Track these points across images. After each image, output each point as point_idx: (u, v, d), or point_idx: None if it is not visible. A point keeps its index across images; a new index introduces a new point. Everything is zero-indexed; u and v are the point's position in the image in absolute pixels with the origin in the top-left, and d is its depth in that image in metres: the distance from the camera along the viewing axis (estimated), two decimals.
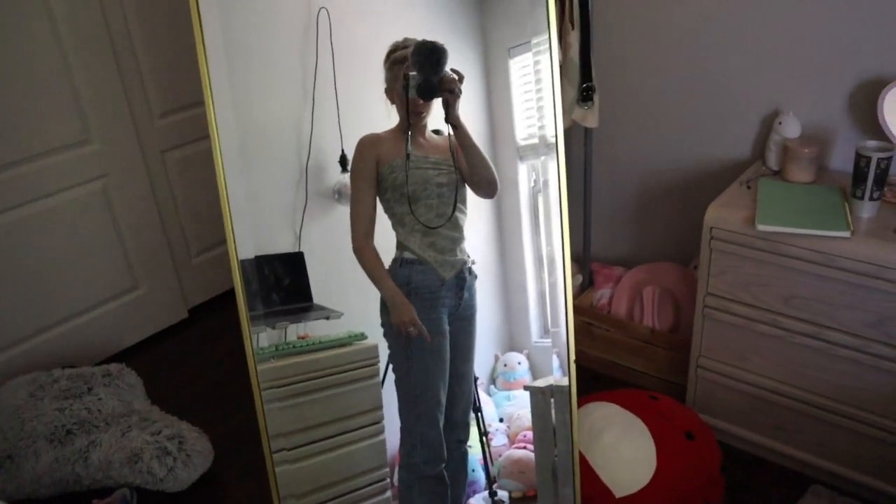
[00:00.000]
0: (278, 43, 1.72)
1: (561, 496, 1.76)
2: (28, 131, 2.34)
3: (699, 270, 1.98)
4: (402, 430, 1.78)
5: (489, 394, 1.93)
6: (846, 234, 1.71)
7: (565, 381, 1.85)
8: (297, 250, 1.78)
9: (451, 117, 1.62)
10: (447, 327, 1.74)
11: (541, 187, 1.81)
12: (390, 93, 1.67)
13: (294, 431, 1.79)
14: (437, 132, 1.70)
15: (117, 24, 2.49)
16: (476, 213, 1.74)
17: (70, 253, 2.54)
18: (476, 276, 1.75)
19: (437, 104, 1.65)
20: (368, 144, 1.69)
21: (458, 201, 1.69)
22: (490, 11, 1.74)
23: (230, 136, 1.70)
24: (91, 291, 2.63)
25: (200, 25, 1.61)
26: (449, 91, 1.60)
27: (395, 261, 1.71)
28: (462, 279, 1.73)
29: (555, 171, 1.74)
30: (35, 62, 2.31)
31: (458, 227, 1.71)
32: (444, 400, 1.76)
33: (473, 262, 1.74)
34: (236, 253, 1.68)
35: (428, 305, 1.72)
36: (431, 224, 1.69)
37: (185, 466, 2.05)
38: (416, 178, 1.67)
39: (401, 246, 1.72)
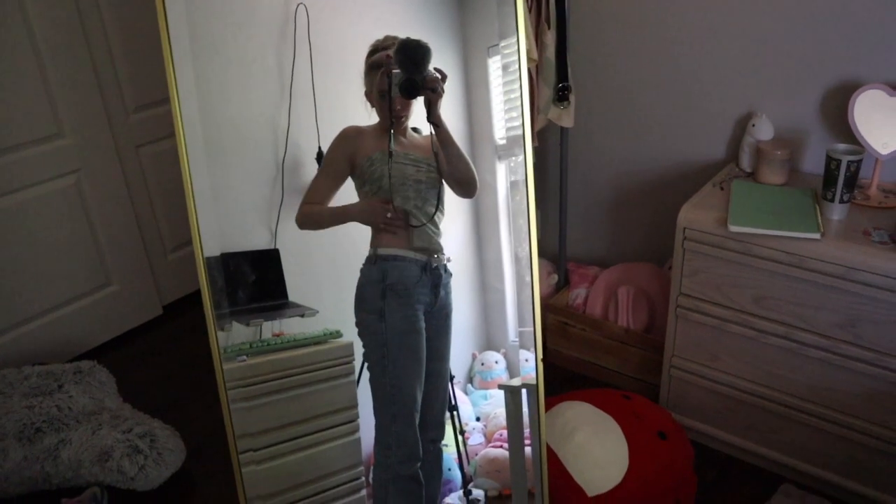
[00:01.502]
0: (256, 39, 1.71)
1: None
2: None
3: (672, 270, 1.99)
4: (377, 428, 1.77)
5: (466, 392, 1.94)
6: (816, 235, 1.73)
7: (533, 380, 1.86)
8: (272, 247, 1.77)
9: (432, 116, 1.62)
10: (423, 324, 1.74)
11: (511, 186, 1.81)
12: (369, 95, 1.67)
13: (268, 430, 1.78)
14: (415, 130, 1.70)
15: (91, 17, 2.47)
16: (454, 212, 1.74)
17: (42, 248, 2.50)
18: (451, 275, 1.75)
19: (417, 104, 1.65)
20: (348, 137, 1.68)
21: (434, 198, 1.69)
22: (469, 10, 1.74)
23: (201, 132, 1.70)
24: (63, 288, 2.60)
25: (165, 19, 1.59)
26: (431, 90, 1.60)
27: (369, 257, 1.70)
28: (438, 276, 1.72)
29: (523, 171, 1.75)
30: (6, 54, 2.27)
31: (435, 225, 1.72)
32: (419, 399, 1.76)
33: (449, 260, 1.74)
34: (202, 250, 1.66)
35: (403, 302, 1.71)
36: (412, 220, 1.69)
37: (157, 465, 2.03)
38: (396, 172, 1.66)
39: (376, 241, 1.71)
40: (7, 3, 2.24)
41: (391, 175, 1.67)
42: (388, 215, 1.68)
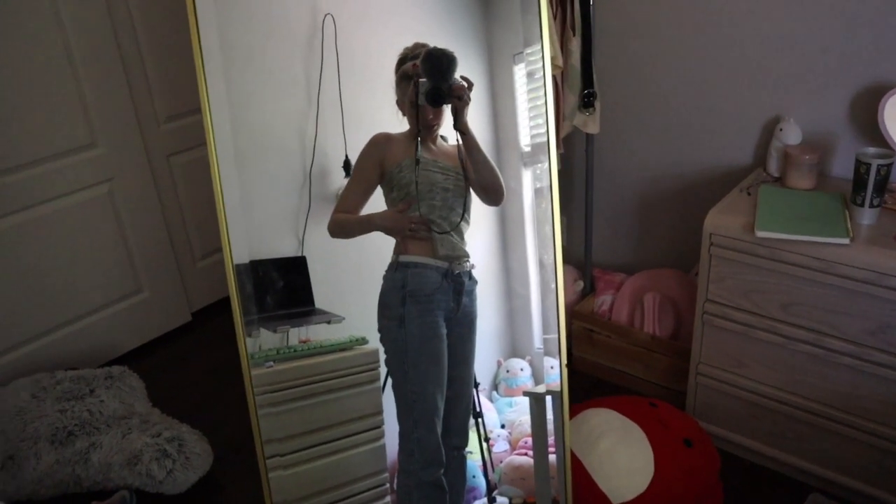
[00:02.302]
0: (284, 48, 1.73)
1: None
2: (35, 135, 2.36)
3: (699, 276, 1.97)
4: (400, 435, 1.78)
5: (491, 400, 1.94)
6: (846, 241, 1.71)
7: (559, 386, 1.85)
8: (299, 254, 1.79)
9: (459, 124, 1.64)
10: (444, 331, 1.74)
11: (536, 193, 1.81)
12: (401, 104, 1.69)
13: (294, 436, 1.79)
14: (443, 138, 1.71)
15: (124, 29, 2.51)
16: (479, 219, 1.74)
17: (75, 256, 2.55)
18: (476, 282, 1.76)
19: (446, 112, 1.66)
20: (377, 143, 1.70)
21: (460, 207, 1.70)
22: (494, 18, 1.75)
23: (232, 141, 1.72)
24: (95, 294, 2.64)
25: (197, 30, 1.62)
26: (458, 98, 1.62)
27: (391, 264, 1.72)
28: (460, 283, 1.73)
29: (547, 176, 1.75)
30: (43, 66, 2.33)
31: (460, 233, 1.72)
32: (441, 405, 1.76)
33: (473, 267, 1.75)
34: (231, 257, 1.69)
35: (423, 308, 1.72)
36: (434, 228, 1.70)
37: (185, 469, 2.05)
38: (423, 179, 1.68)
39: (398, 248, 1.73)
40: (44, 17, 2.29)
41: (418, 182, 1.68)
42: (411, 227, 1.70)
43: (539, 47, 1.65)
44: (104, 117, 2.51)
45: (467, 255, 1.74)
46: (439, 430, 1.76)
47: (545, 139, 1.71)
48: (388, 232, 1.72)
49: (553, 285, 1.76)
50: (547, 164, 1.73)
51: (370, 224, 1.73)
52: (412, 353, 1.74)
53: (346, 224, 1.73)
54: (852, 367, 1.79)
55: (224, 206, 1.67)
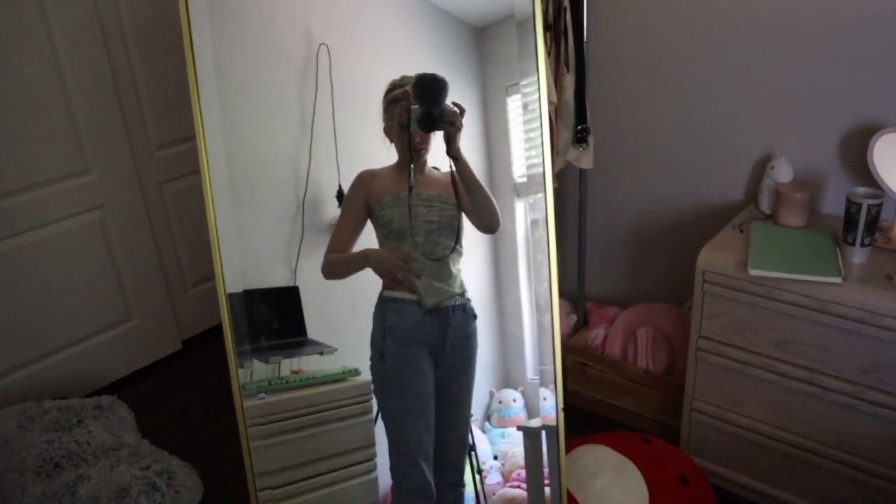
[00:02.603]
0: (278, 78, 1.74)
1: None
2: (26, 160, 2.35)
3: (692, 313, 1.98)
4: (390, 467, 1.77)
5: (484, 431, 1.92)
6: (838, 279, 1.72)
7: (554, 421, 1.84)
8: (292, 284, 1.78)
9: (452, 150, 1.63)
10: (426, 364, 1.73)
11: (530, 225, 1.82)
12: (388, 131, 1.69)
13: (286, 468, 1.77)
14: (436, 168, 1.71)
15: (119, 55, 2.52)
16: (471, 248, 1.74)
17: (65, 283, 2.53)
18: (472, 316, 1.75)
19: (436, 140, 1.66)
20: (362, 180, 1.70)
21: (448, 239, 1.69)
22: (487, 51, 1.76)
23: (224, 170, 1.72)
24: (84, 322, 2.62)
25: (193, 59, 1.62)
26: (450, 123, 1.62)
27: (378, 299, 1.72)
28: (446, 318, 1.72)
29: (543, 210, 1.75)
30: (36, 92, 2.32)
31: (445, 266, 1.71)
32: (426, 440, 1.74)
33: (464, 301, 1.73)
34: (224, 287, 1.68)
35: (401, 343, 1.71)
36: (416, 262, 1.70)
37: (174, 503, 2.02)
38: (404, 215, 1.67)
39: (384, 283, 1.73)
40: (37, 42, 2.29)
41: (398, 219, 1.67)
42: (400, 275, 1.69)
43: (534, 79, 1.67)
44: (97, 143, 2.50)
45: (456, 290, 1.73)
46: (426, 464, 1.74)
47: (539, 170, 1.72)
48: (378, 273, 1.72)
49: (547, 321, 1.76)
50: (541, 195, 1.74)
51: (365, 259, 1.72)
52: (393, 388, 1.73)
53: (339, 263, 1.73)
54: (846, 406, 1.80)
55: (218, 236, 1.67)
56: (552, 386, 1.75)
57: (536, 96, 1.67)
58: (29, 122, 2.33)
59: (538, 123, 1.72)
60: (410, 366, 1.72)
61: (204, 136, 1.67)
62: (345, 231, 1.72)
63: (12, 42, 2.24)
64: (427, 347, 1.72)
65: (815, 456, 1.90)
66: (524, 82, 1.70)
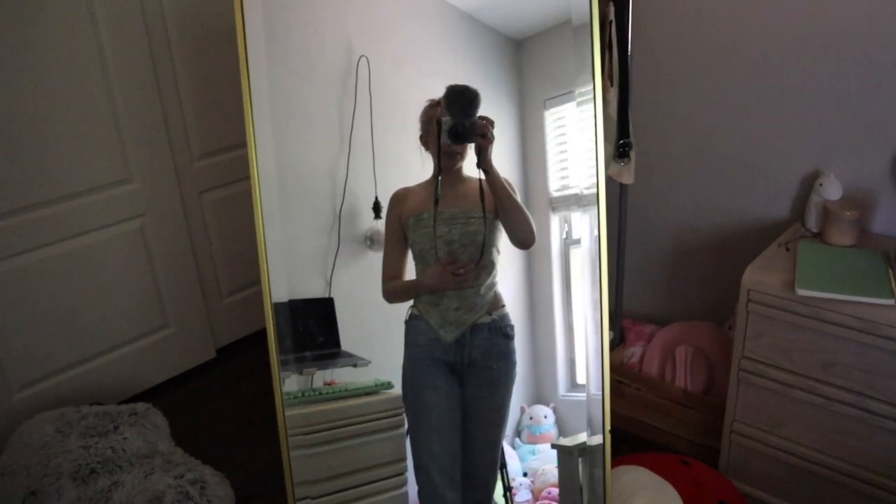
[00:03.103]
0: (318, 89, 1.75)
1: None
2: (71, 168, 2.38)
3: (735, 333, 1.93)
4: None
5: (514, 447, 1.90)
6: (890, 301, 1.67)
7: (594, 441, 1.81)
8: (327, 296, 1.79)
9: (483, 162, 1.62)
10: (442, 381, 1.72)
11: (573, 240, 1.80)
12: (425, 139, 1.68)
13: (318, 480, 1.77)
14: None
15: (164, 66, 2.55)
16: (507, 263, 1.73)
17: (104, 289, 2.56)
18: (505, 336, 1.72)
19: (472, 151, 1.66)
20: (395, 201, 1.71)
21: (471, 256, 1.67)
22: (526, 63, 1.76)
23: (267, 180, 1.72)
24: (122, 328, 2.65)
25: (248, 72, 1.64)
26: (481, 136, 1.60)
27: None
28: (465, 336, 1.70)
29: (588, 224, 1.74)
30: (82, 101, 2.36)
31: (473, 282, 1.69)
32: (439, 453, 1.73)
33: (496, 318, 1.71)
34: (270, 297, 1.70)
35: (416, 359, 1.72)
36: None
37: None
38: (424, 236, 1.66)
39: (414, 300, 1.73)
40: (86, 52, 2.33)
41: (420, 240, 1.67)
42: (461, 271, 1.67)
43: (589, 88, 1.65)
44: (140, 153, 2.54)
45: (482, 308, 1.71)
46: (442, 478, 1.73)
47: (572, 185, 1.71)
48: (437, 290, 1.71)
49: (587, 337, 1.74)
50: (579, 212, 1.73)
51: (421, 287, 1.72)
52: (408, 402, 1.74)
53: (400, 292, 1.74)
54: (895, 432, 1.74)
55: (265, 244, 1.68)
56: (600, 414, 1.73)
57: (585, 106, 1.65)
58: (75, 131, 2.36)
59: (577, 136, 1.70)
60: (424, 382, 1.72)
61: (255, 146, 1.68)
62: (392, 254, 1.73)
63: (62, 51, 2.28)
64: (446, 365, 1.71)
65: (862, 483, 1.84)
66: (581, 90, 1.67)
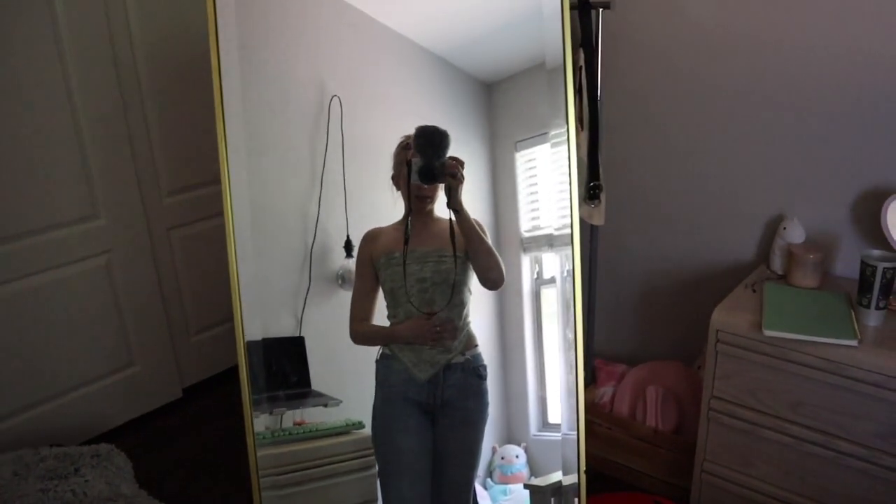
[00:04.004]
0: (290, 127, 1.76)
1: None
2: (36, 204, 2.35)
3: (704, 373, 1.95)
4: None
5: (485, 487, 1.88)
6: (853, 342, 1.70)
7: (568, 481, 1.81)
8: (297, 334, 1.78)
9: (453, 202, 1.63)
10: (414, 422, 1.71)
11: (543, 279, 1.82)
12: (396, 179, 1.69)
13: None
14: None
15: (133, 100, 2.54)
16: (478, 302, 1.74)
17: (67, 327, 2.51)
18: (477, 376, 1.72)
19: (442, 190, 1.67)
20: (366, 240, 1.71)
21: (443, 295, 1.67)
22: (498, 106, 1.79)
23: (240, 217, 1.72)
24: (85, 367, 2.59)
25: (223, 109, 1.64)
26: (451, 175, 1.62)
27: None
28: (437, 376, 1.70)
29: (559, 264, 1.75)
30: (49, 136, 2.33)
31: (451, 337, 1.70)
32: (411, 498, 1.71)
33: (469, 357, 1.71)
34: (243, 335, 1.68)
35: (387, 399, 1.71)
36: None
37: None
38: (395, 275, 1.67)
39: None
40: (53, 87, 2.31)
41: (391, 279, 1.67)
42: (437, 329, 1.67)
43: (563, 129, 1.68)
44: (107, 189, 2.51)
45: (456, 348, 1.71)
46: None
47: (544, 226, 1.73)
48: (414, 341, 1.71)
49: (560, 373, 1.75)
50: (550, 252, 1.75)
51: (395, 337, 1.72)
52: (379, 443, 1.73)
53: (371, 337, 1.73)
54: (863, 471, 1.76)
55: (239, 283, 1.68)
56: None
57: (563, 146, 1.68)
58: (41, 166, 2.33)
59: (548, 177, 1.73)
60: (395, 422, 1.71)
61: (229, 183, 1.69)
62: (362, 294, 1.72)
63: (28, 86, 2.26)
64: (418, 405, 1.70)
65: None
66: (555, 132, 1.70)
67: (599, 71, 2.15)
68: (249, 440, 1.68)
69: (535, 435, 1.85)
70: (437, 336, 1.67)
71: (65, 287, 2.48)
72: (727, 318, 1.88)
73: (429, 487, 1.73)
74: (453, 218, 1.64)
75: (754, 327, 1.81)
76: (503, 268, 1.69)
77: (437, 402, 1.69)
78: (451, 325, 1.67)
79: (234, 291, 1.67)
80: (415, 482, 1.70)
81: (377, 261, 1.69)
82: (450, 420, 1.71)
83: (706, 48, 2.15)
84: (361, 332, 1.71)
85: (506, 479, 1.86)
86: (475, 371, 1.72)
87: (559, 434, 1.81)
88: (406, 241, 1.66)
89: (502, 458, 1.86)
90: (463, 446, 1.74)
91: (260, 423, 1.77)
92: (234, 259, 1.67)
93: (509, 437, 1.86)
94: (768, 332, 1.77)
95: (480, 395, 1.73)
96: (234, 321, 1.67)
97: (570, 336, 1.74)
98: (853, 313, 1.82)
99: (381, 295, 1.73)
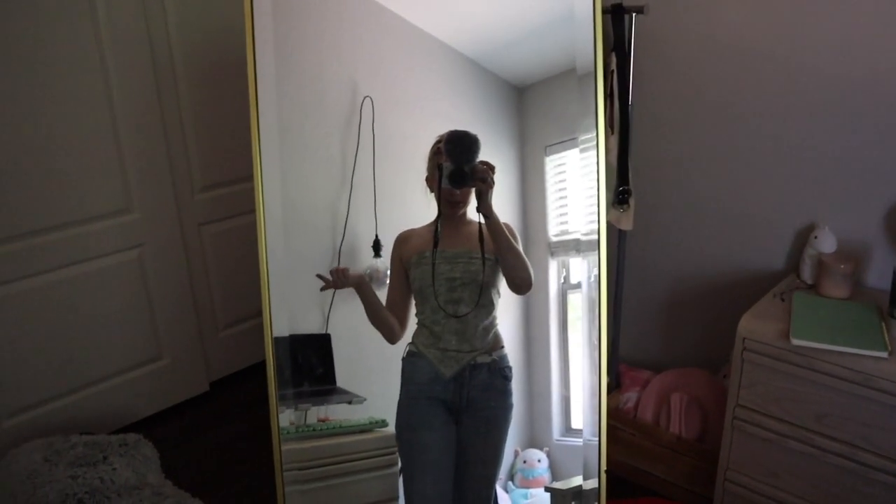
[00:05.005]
0: (322, 128, 1.78)
1: None
2: (72, 197, 2.39)
3: (730, 381, 1.94)
4: None
5: (507, 490, 1.88)
6: (884, 354, 1.68)
7: (589, 485, 1.80)
8: (324, 332, 1.80)
9: (483, 207, 1.64)
10: (438, 420, 1.72)
11: (570, 284, 1.82)
12: (430, 181, 1.71)
13: None
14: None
15: (169, 98, 2.57)
16: (505, 305, 1.75)
17: (99, 319, 2.55)
18: (503, 377, 1.73)
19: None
20: (398, 242, 1.74)
21: (472, 295, 1.69)
22: (529, 110, 1.79)
23: (271, 215, 1.75)
24: (115, 359, 2.63)
25: (257, 108, 1.67)
26: (481, 180, 1.63)
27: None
28: (463, 376, 1.70)
29: (586, 269, 1.75)
30: (87, 130, 2.37)
31: (469, 323, 1.70)
32: (432, 494, 1.72)
33: (495, 358, 1.72)
34: (271, 330, 1.70)
35: (412, 397, 1.72)
36: (437, 325, 1.70)
37: None
38: (425, 274, 1.68)
39: (413, 335, 1.74)
40: (92, 82, 2.35)
41: (420, 278, 1.69)
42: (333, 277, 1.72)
43: (588, 136, 1.68)
44: (141, 183, 2.55)
45: (480, 348, 1.72)
46: None
47: (572, 230, 1.73)
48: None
49: (583, 377, 1.75)
50: (578, 257, 1.75)
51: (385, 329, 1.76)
52: (403, 441, 1.73)
53: (382, 322, 1.76)
54: (889, 485, 1.74)
55: (268, 278, 1.70)
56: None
57: (586, 153, 1.68)
58: (77, 160, 2.37)
59: (577, 181, 1.73)
60: (420, 420, 1.72)
61: (262, 180, 1.71)
62: (394, 288, 1.75)
63: (69, 82, 2.30)
64: (443, 403, 1.71)
65: None
66: (584, 136, 1.70)
67: (632, 76, 2.15)
68: (275, 436, 1.71)
69: (557, 440, 1.85)
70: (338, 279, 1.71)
71: (98, 279, 2.51)
72: (755, 325, 1.86)
73: (451, 486, 1.74)
74: (482, 222, 1.65)
75: (782, 336, 1.80)
76: (532, 272, 1.70)
77: (462, 402, 1.70)
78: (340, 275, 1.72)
79: (263, 288, 1.69)
80: (438, 480, 1.71)
81: (407, 261, 1.71)
82: (474, 420, 1.72)
83: (739, 53, 2.13)
84: (384, 313, 1.76)
85: (527, 483, 1.87)
86: (501, 372, 1.73)
87: (582, 440, 1.81)
88: (436, 244, 1.67)
89: (524, 462, 1.87)
90: (486, 446, 1.74)
91: (285, 417, 1.78)
92: (264, 255, 1.70)
93: (532, 440, 1.86)
94: (796, 341, 1.75)
95: (505, 395, 1.74)
96: (263, 318, 1.69)
97: (595, 340, 1.73)
98: (884, 325, 1.80)
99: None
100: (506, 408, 1.74)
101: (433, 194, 1.70)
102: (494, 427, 1.73)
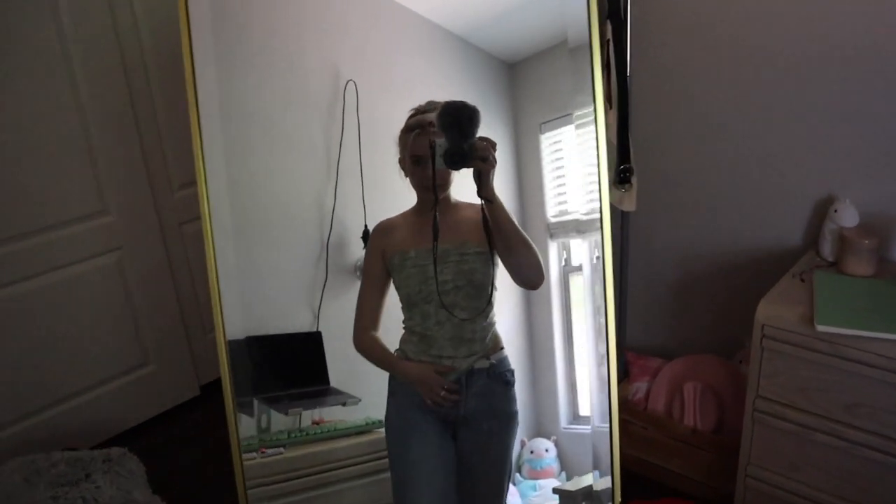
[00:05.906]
0: (304, 115, 1.72)
1: None
2: (44, 201, 2.32)
3: (749, 370, 1.82)
4: None
5: (514, 483, 1.82)
6: None
7: (601, 485, 1.72)
8: (315, 329, 1.73)
9: (485, 190, 1.45)
10: (433, 430, 1.58)
11: (572, 266, 1.74)
12: (403, 161, 1.56)
13: None
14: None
15: (141, 94, 2.49)
16: (502, 291, 1.64)
17: (79, 328, 2.48)
18: (504, 382, 1.61)
19: (459, 176, 1.56)
20: (378, 233, 1.59)
21: (466, 298, 1.54)
22: (521, 87, 1.71)
23: (247, 211, 1.71)
24: (98, 368, 2.56)
25: (195, 89, 1.64)
26: (482, 159, 1.45)
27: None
28: (458, 382, 1.56)
29: (587, 251, 1.70)
30: (55, 130, 2.30)
31: (465, 327, 1.55)
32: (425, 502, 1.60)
33: (494, 362, 1.59)
34: (224, 333, 1.71)
35: (402, 404, 1.60)
36: (430, 331, 1.54)
37: None
38: (410, 278, 1.53)
39: (401, 342, 1.60)
40: (59, 82, 2.28)
41: (408, 282, 1.55)
42: (442, 394, 1.55)
43: (585, 110, 1.61)
44: (116, 184, 2.47)
45: (478, 352, 1.58)
46: None
47: (571, 211, 1.67)
48: (416, 387, 1.60)
49: (591, 369, 1.67)
50: (577, 239, 1.70)
51: (398, 372, 1.60)
52: (390, 447, 1.61)
53: (372, 355, 1.62)
54: None
55: (218, 280, 1.68)
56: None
57: (590, 127, 1.59)
58: (47, 162, 2.30)
59: (575, 159, 1.67)
60: (409, 426, 1.59)
61: (205, 179, 1.67)
62: (371, 295, 1.60)
63: (32, 79, 2.22)
64: (437, 415, 1.57)
65: None
66: (579, 112, 1.61)
67: (629, 44, 2.02)
68: (235, 448, 1.65)
69: (565, 428, 1.80)
70: (441, 399, 1.54)
71: (75, 286, 2.44)
72: (774, 311, 1.74)
73: None
74: (486, 210, 1.47)
75: (805, 321, 1.67)
76: (542, 264, 1.55)
77: (460, 413, 1.56)
78: (457, 395, 1.54)
79: (212, 287, 1.69)
80: (434, 493, 1.58)
81: (390, 259, 1.55)
82: (473, 432, 1.58)
83: (747, 12, 2.00)
84: (365, 346, 1.62)
85: (535, 475, 1.81)
86: (501, 377, 1.59)
87: (590, 427, 1.75)
88: (435, 237, 1.50)
89: (531, 453, 1.81)
90: (491, 461, 1.62)
91: (276, 422, 1.75)
92: (211, 250, 1.69)
93: (538, 430, 1.80)
94: (821, 328, 1.63)
95: (507, 403, 1.60)
96: (215, 322, 1.69)
97: (601, 325, 1.64)
98: None
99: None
100: (508, 417, 1.60)
101: (408, 179, 1.56)
102: (497, 441, 1.59)
